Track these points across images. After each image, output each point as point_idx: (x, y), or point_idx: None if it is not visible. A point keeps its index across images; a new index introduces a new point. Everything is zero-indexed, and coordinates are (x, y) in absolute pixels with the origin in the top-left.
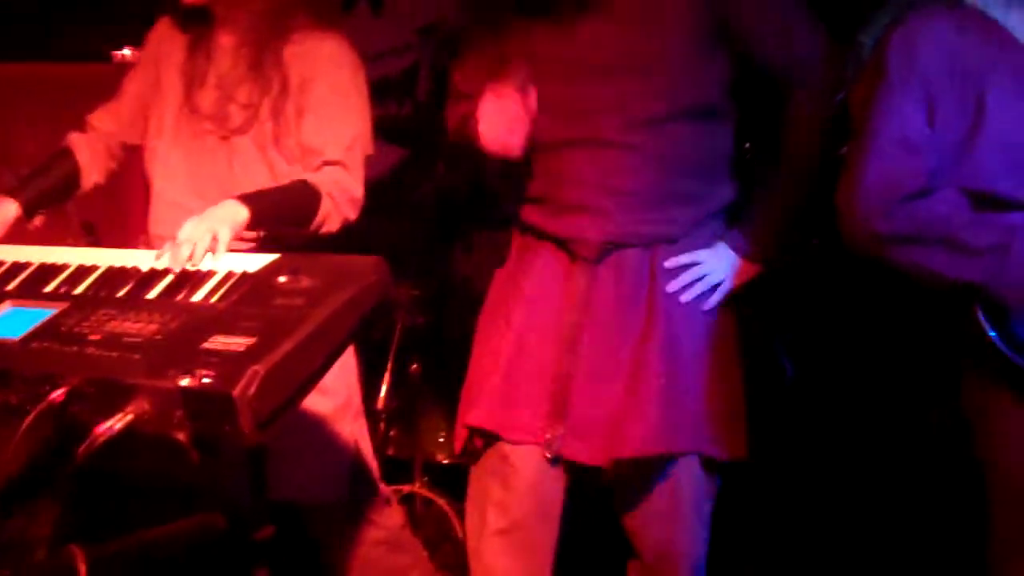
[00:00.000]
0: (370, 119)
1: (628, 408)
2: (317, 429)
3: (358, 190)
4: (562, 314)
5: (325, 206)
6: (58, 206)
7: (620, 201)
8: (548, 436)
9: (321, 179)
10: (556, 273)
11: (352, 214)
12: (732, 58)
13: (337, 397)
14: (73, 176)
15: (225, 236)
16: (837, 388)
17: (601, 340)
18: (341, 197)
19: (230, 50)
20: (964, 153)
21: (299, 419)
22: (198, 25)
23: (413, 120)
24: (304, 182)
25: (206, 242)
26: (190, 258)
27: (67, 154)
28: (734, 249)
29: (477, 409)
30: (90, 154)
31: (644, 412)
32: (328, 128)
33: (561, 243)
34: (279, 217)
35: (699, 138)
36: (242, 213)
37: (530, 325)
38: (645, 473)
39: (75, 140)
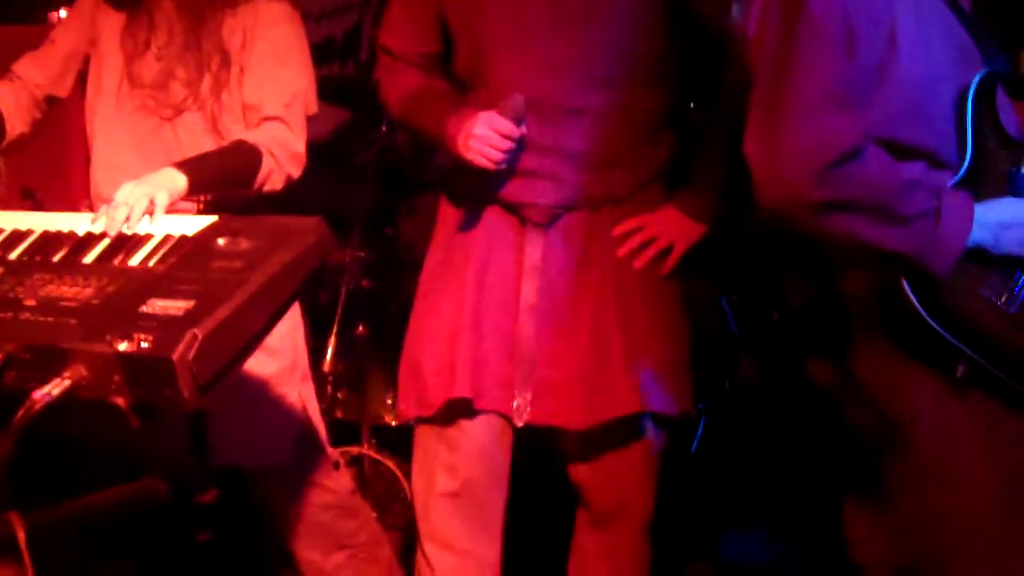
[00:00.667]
0: (312, 76)
1: (596, 370)
2: (262, 391)
3: (299, 146)
4: (517, 279)
5: (266, 164)
6: None
7: (571, 164)
8: (516, 403)
9: (260, 137)
10: (506, 238)
11: (295, 171)
12: (675, 18)
13: (283, 359)
14: None
15: (163, 201)
16: (778, 346)
17: (558, 304)
18: (282, 153)
19: (167, 21)
20: (872, 95)
21: (243, 381)
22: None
23: (356, 80)
24: (243, 142)
25: (143, 205)
26: (126, 221)
27: None
28: (682, 210)
29: (454, 378)
30: (14, 103)
31: (613, 373)
32: (267, 84)
33: (510, 207)
34: (220, 181)
35: (647, 100)
36: (180, 180)
37: (485, 292)
38: (605, 432)
39: None
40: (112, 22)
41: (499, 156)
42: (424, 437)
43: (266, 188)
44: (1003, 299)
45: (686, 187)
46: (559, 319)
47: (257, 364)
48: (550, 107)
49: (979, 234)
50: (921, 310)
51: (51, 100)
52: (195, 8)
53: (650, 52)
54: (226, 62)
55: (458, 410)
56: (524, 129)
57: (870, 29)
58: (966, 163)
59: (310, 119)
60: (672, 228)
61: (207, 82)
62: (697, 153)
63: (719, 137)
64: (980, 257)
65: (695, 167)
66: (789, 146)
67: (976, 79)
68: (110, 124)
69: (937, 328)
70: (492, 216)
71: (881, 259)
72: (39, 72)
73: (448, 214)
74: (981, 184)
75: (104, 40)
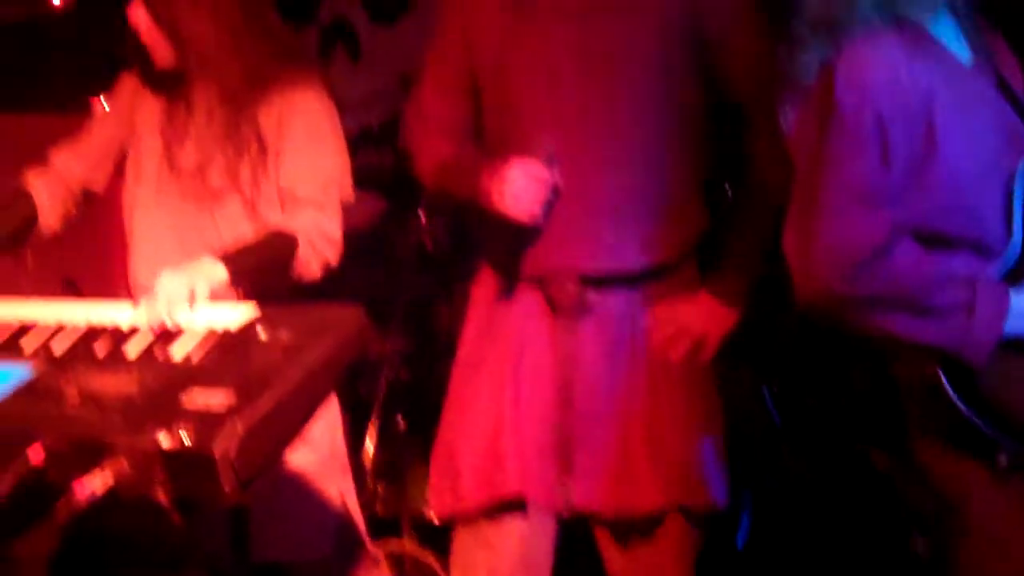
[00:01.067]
0: (347, 161)
1: (623, 462)
2: (301, 485)
3: (336, 231)
4: (552, 368)
5: (303, 252)
6: (14, 251)
7: (605, 221)
8: (561, 494)
9: (296, 224)
10: (539, 327)
11: (333, 257)
12: (706, 75)
13: (322, 452)
14: (30, 220)
15: (203, 291)
16: (822, 436)
17: (592, 393)
18: (319, 240)
19: (206, 108)
20: (914, 188)
21: (283, 475)
22: (171, 87)
23: (393, 169)
24: (279, 231)
25: (184, 297)
26: (167, 314)
27: (25, 197)
28: (714, 295)
29: (498, 475)
30: (49, 197)
31: (637, 468)
32: (303, 169)
33: (542, 285)
34: (258, 270)
35: (680, 160)
36: (220, 271)
37: (521, 383)
38: (637, 525)
39: (33, 181)
40: (151, 109)
41: (532, 203)
42: (463, 536)
43: (305, 275)
44: None
45: (718, 272)
46: (594, 407)
47: (296, 458)
48: (582, 159)
49: (1017, 324)
50: (958, 402)
51: (87, 194)
52: (233, 94)
53: (681, 104)
54: (263, 148)
55: (499, 508)
56: (558, 175)
57: (904, 132)
58: (1012, 249)
59: (347, 207)
60: (705, 317)
61: (246, 168)
62: (731, 236)
63: (752, 221)
64: (1019, 346)
65: (728, 250)
66: (820, 245)
67: (1022, 163)
68: (150, 210)
69: (974, 420)
70: (524, 302)
71: (917, 350)
72: (77, 163)
73: (480, 298)
74: None
75: (143, 127)
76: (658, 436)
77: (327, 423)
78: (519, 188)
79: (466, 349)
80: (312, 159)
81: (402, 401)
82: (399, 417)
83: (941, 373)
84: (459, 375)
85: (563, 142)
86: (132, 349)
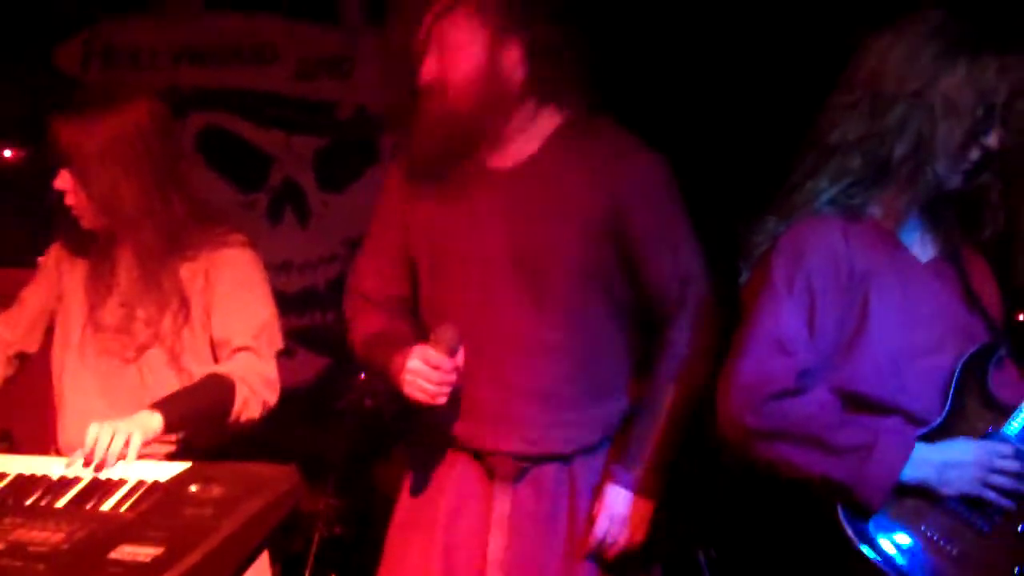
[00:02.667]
0: (275, 311)
1: None
2: None
3: (272, 372)
4: (485, 534)
5: (241, 393)
6: None
7: (538, 405)
8: None
9: (232, 367)
10: (475, 492)
11: (271, 397)
12: (629, 274)
13: None
14: None
15: (136, 441)
16: None
17: (526, 560)
18: (256, 381)
19: (126, 266)
20: (844, 356)
21: None
22: (96, 249)
23: (337, 329)
24: (215, 374)
25: (117, 445)
26: (102, 463)
27: None
28: (627, 486)
29: None
30: None
31: None
32: (234, 318)
33: (478, 456)
34: (196, 415)
35: (610, 344)
36: (155, 419)
37: (452, 548)
38: None
39: None
40: (76, 274)
41: (432, 390)
42: None
43: (243, 418)
44: (946, 539)
45: (631, 460)
46: (527, 572)
47: None
48: (514, 346)
49: (921, 471)
50: (854, 538)
51: (21, 356)
52: (151, 252)
53: (609, 297)
54: (185, 303)
55: None
56: (459, 360)
57: (834, 304)
58: (940, 418)
59: (289, 363)
60: (624, 515)
61: (168, 321)
62: (642, 432)
63: (665, 405)
64: (926, 495)
65: (641, 438)
66: (736, 380)
67: (972, 349)
68: (76, 372)
69: (870, 557)
70: (461, 467)
71: (816, 488)
72: (9, 331)
73: (417, 463)
74: (953, 438)
75: (68, 292)
76: None
77: None
78: (416, 375)
79: (402, 510)
80: (243, 308)
81: (335, 557)
82: (331, 574)
83: (841, 511)
84: (393, 536)
85: (495, 330)
86: (63, 501)
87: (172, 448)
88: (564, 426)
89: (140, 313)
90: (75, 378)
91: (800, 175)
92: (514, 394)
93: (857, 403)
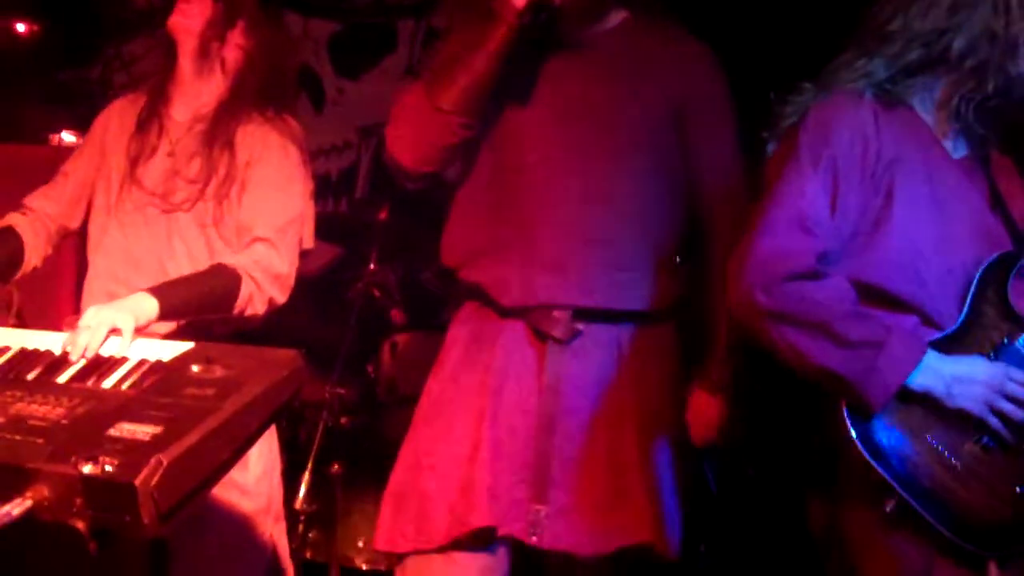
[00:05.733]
0: (311, 211)
1: (612, 497)
2: (235, 530)
3: (283, 267)
4: (534, 397)
5: (246, 287)
6: None
7: (596, 257)
8: (531, 519)
9: (242, 260)
10: (525, 357)
11: (279, 295)
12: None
13: (259, 499)
14: (17, 256)
15: (128, 326)
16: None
17: (576, 426)
18: (264, 276)
19: (183, 125)
20: (864, 244)
21: (216, 518)
22: (150, 100)
23: (348, 218)
24: (222, 265)
25: (102, 332)
26: (89, 346)
27: (12, 233)
28: (706, 390)
29: (470, 507)
30: (32, 237)
31: (627, 503)
32: (264, 206)
33: (525, 318)
34: (195, 305)
35: (665, 208)
36: (150, 305)
37: (501, 413)
38: (601, 563)
39: (18, 221)
40: (121, 134)
41: None
42: (414, 572)
43: (248, 312)
44: (950, 451)
45: (704, 370)
46: (574, 443)
47: (232, 502)
48: (583, 191)
49: (929, 380)
50: (855, 438)
51: (63, 232)
52: (213, 115)
53: (669, 172)
54: (231, 172)
55: (462, 542)
56: None
57: (859, 185)
58: (956, 324)
59: (305, 252)
60: (703, 414)
61: (212, 185)
62: (707, 339)
63: (721, 320)
64: (933, 405)
65: (712, 339)
66: (751, 256)
67: (994, 256)
68: (106, 231)
69: (868, 458)
70: (509, 336)
71: (820, 379)
72: (52, 204)
73: (457, 337)
74: (966, 347)
75: (111, 153)
76: (649, 473)
77: (265, 470)
78: None
79: (438, 384)
80: (274, 198)
81: (340, 447)
82: (335, 463)
83: (844, 409)
84: (428, 408)
85: (562, 178)
86: (64, 377)
87: (170, 330)
88: (621, 283)
89: (186, 171)
90: (102, 237)
91: (852, 54)
92: (576, 242)
93: (873, 296)
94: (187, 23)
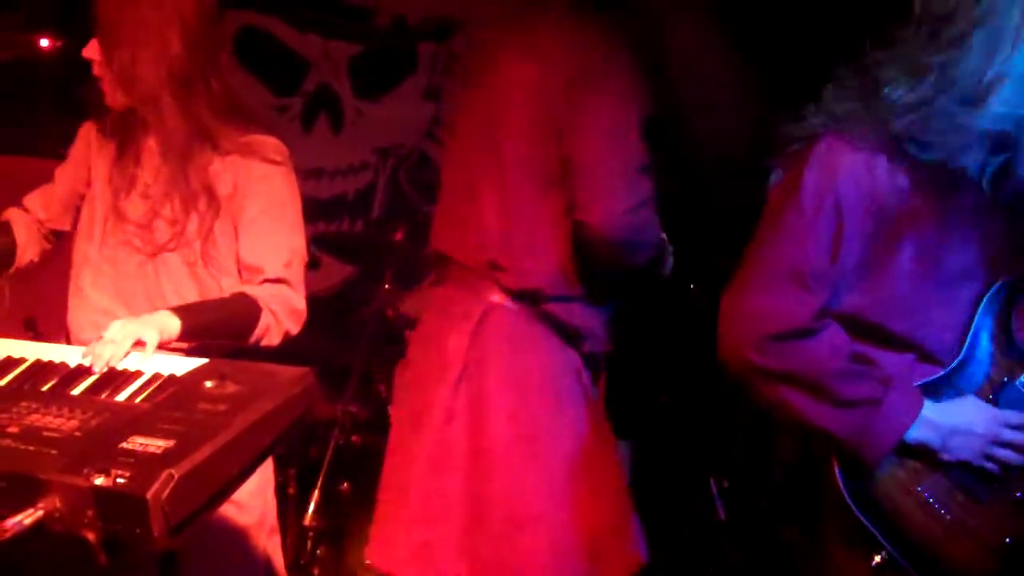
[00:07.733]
0: (303, 230)
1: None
2: (231, 543)
3: (300, 302)
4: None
5: (264, 320)
6: None
7: None
8: None
9: (261, 293)
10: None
11: (294, 328)
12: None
13: (253, 513)
14: (9, 250)
15: (152, 340)
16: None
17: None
18: (282, 310)
19: (155, 156)
20: (865, 281)
21: (214, 532)
22: (124, 130)
23: (364, 237)
24: (243, 295)
25: (127, 346)
26: (111, 358)
27: (5, 228)
28: None
29: None
30: (26, 233)
31: None
32: (265, 244)
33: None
34: (215, 330)
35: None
36: (173, 323)
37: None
38: None
39: (14, 216)
40: (104, 159)
41: None
42: None
43: (263, 343)
44: (940, 503)
45: None
46: None
47: (227, 516)
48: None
49: (925, 433)
50: (845, 493)
51: (56, 234)
52: (178, 141)
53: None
54: (213, 205)
55: None
56: None
57: (863, 227)
58: (955, 361)
59: (313, 270)
60: None
61: (193, 224)
62: None
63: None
64: (926, 456)
65: None
66: (744, 310)
67: (998, 285)
68: (93, 262)
69: (859, 516)
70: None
71: (815, 437)
72: (43, 209)
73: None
74: (965, 385)
75: (96, 178)
76: None
77: (259, 486)
78: None
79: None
80: (275, 234)
81: (350, 465)
82: (344, 481)
83: (836, 464)
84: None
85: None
86: (79, 389)
87: (185, 348)
88: None
89: (165, 211)
90: (92, 268)
91: (875, 83)
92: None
93: (869, 332)
94: (113, 100)
